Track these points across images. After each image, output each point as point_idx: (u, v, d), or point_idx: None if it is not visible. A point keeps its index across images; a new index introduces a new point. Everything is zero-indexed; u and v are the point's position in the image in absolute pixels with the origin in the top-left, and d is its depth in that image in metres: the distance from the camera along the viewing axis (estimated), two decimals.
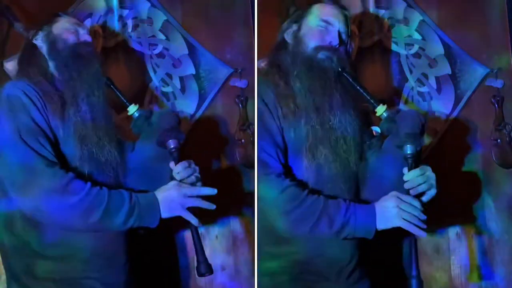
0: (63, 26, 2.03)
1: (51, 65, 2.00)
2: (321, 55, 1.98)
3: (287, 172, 1.95)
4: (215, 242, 2.54)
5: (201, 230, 2.51)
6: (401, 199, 1.87)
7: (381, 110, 1.97)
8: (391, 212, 1.86)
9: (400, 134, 1.91)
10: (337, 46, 2.00)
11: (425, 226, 1.86)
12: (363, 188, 2.04)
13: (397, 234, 1.90)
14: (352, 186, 2.01)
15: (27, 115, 1.86)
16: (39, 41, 2.03)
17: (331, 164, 1.94)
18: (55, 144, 1.89)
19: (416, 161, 1.91)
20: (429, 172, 1.91)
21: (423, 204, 1.89)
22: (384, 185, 1.94)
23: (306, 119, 1.95)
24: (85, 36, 2.04)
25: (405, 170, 1.90)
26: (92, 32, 2.36)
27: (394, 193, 1.89)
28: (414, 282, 1.85)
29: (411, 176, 1.88)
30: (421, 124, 1.94)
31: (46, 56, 2.00)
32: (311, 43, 2.00)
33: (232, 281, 2.55)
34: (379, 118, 1.98)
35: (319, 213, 1.86)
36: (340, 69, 1.98)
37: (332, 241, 1.94)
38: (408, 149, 1.89)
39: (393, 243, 1.90)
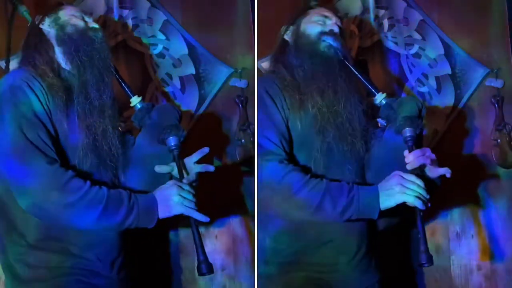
0: (70, 13, 2.01)
1: (58, 52, 1.97)
2: (324, 41, 2.03)
3: (291, 160, 1.97)
4: (215, 241, 2.53)
5: (201, 230, 2.50)
6: (403, 177, 1.88)
7: (380, 97, 2.01)
8: (394, 190, 1.88)
9: (399, 118, 1.94)
10: (338, 33, 2.06)
11: (428, 201, 1.88)
12: (367, 177, 2.07)
13: (408, 216, 1.91)
14: (358, 173, 2.03)
15: (29, 109, 1.84)
16: (46, 26, 2.00)
17: (339, 145, 1.96)
18: (56, 139, 1.88)
19: (416, 144, 1.93)
20: (429, 153, 1.93)
21: (425, 183, 1.90)
22: (386, 173, 1.94)
23: (313, 104, 1.97)
24: (92, 24, 2.02)
25: (406, 152, 1.92)
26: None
27: (397, 172, 1.90)
28: (423, 257, 1.86)
29: (412, 157, 1.91)
30: (419, 108, 1.98)
31: (54, 42, 1.98)
32: (313, 31, 2.06)
33: (232, 281, 2.54)
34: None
35: (322, 194, 1.88)
36: (342, 58, 2.02)
37: (339, 229, 1.95)
38: (407, 132, 1.92)
39: (403, 231, 1.90)
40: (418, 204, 1.86)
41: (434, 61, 2.68)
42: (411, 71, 2.66)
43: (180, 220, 1.94)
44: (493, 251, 2.63)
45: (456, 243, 2.62)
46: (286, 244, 2.00)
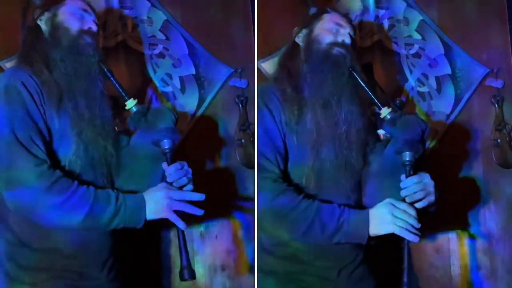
0: (69, 11, 1.99)
1: (52, 51, 1.96)
2: (335, 51, 2.02)
3: (285, 178, 1.96)
4: (215, 241, 2.53)
5: (201, 229, 2.51)
6: (395, 206, 1.87)
7: (385, 112, 1.99)
8: (384, 219, 1.86)
9: (400, 140, 1.91)
10: (350, 45, 2.05)
11: (419, 233, 1.86)
12: (364, 193, 2.05)
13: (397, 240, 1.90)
14: (354, 186, 2.01)
15: (23, 109, 1.85)
16: (43, 23, 2.00)
17: (334, 160, 1.95)
18: (49, 138, 1.88)
19: (415, 168, 1.90)
20: (427, 180, 1.90)
21: (418, 211, 1.88)
22: (383, 191, 1.94)
23: (312, 114, 1.96)
24: (90, 24, 2.00)
25: (403, 177, 1.90)
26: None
27: (388, 200, 1.88)
28: None
29: (407, 184, 1.88)
30: (422, 131, 1.94)
31: (48, 41, 1.97)
32: (325, 40, 2.05)
33: (232, 281, 2.54)
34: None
35: (312, 217, 1.87)
36: (350, 68, 2.00)
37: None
38: (407, 156, 1.89)
39: (399, 239, 1.90)
40: (407, 236, 1.85)
41: (434, 61, 2.68)
42: (411, 71, 2.65)
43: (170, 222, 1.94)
44: (492, 252, 2.64)
45: (456, 243, 2.62)
46: (279, 255, 1.99)
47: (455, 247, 2.62)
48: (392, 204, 1.87)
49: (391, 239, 1.89)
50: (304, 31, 2.12)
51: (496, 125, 2.66)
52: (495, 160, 2.65)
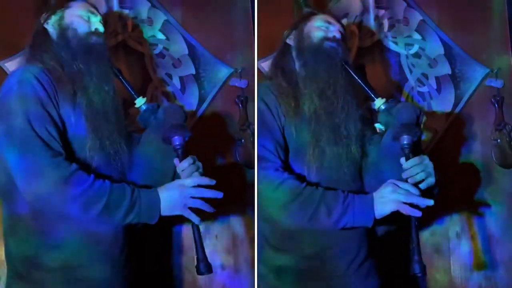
0: (76, 13, 2.01)
1: (62, 52, 1.97)
2: (327, 44, 2.05)
3: (286, 168, 1.98)
4: (215, 241, 2.54)
5: (201, 229, 2.50)
6: (397, 186, 1.89)
7: (379, 102, 2.03)
8: (388, 198, 1.89)
9: (397, 125, 1.94)
10: (340, 40, 2.09)
11: (423, 206, 1.87)
12: (364, 182, 2.07)
13: (405, 225, 1.91)
14: (356, 176, 2.04)
15: (37, 102, 1.86)
16: (50, 26, 2.02)
17: (334, 148, 1.96)
18: (63, 132, 1.89)
19: (413, 152, 1.93)
20: (427, 161, 1.94)
21: (421, 191, 1.90)
22: (383, 179, 1.95)
23: (309, 105, 1.99)
24: (96, 25, 2.02)
25: (402, 160, 1.92)
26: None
27: (391, 181, 1.92)
28: (417, 266, 1.88)
29: (408, 165, 1.91)
30: (417, 116, 1.98)
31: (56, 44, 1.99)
32: (316, 36, 2.08)
33: (232, 280, 2.55)
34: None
35: (317, 203, 1.89)
36: (343, 63, 2.04)
37: (338, 235, 1.96)
38: (405, 139, 1.92)
39: (403, 235, 1.91)
40: (411, 212, 1.87)
41: (434, 61, 2.68)
42: (411, 71, 2.66)
43: (183, 217, 1.95)
44: (492, 251, 2.63)
45: (456, 243, 2.62)
46: (285, 249, 2.00)
47: (455, 247, 2.62)
48: (395, 184, 1.90)
49: (398, 229, 1.90)
50: (294, 32, 2.15)
51: (496, 125, 2.66)
52: (495, 160, 2.65)
